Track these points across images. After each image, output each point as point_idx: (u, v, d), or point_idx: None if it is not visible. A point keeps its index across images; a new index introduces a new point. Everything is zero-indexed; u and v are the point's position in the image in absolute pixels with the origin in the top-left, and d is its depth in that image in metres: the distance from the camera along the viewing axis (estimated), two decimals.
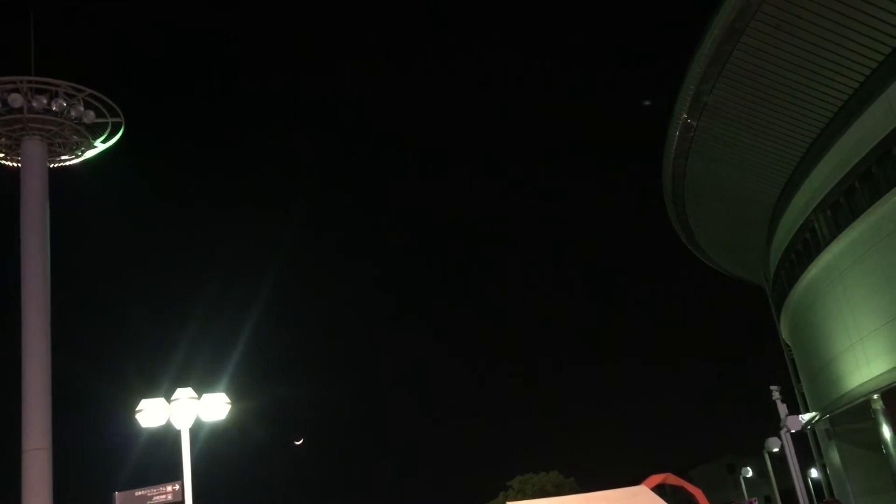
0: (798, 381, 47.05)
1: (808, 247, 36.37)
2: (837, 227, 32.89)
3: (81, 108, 29.19)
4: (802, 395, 46.02)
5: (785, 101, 31.99)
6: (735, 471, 69.43)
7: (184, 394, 17.37)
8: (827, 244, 33.76)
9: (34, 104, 28.26)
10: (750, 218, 42.08)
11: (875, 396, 30.79)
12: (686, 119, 35.01)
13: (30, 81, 28.47)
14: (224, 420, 18.07)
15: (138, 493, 18.83)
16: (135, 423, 17.18)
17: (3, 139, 28.97)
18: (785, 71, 30.28)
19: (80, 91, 29.17)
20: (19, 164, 28.92)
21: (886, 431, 31.14)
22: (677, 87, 34.09)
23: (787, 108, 32.36)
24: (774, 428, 34.88)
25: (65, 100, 28.78)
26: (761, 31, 28.87)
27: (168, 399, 17.37)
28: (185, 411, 17.19)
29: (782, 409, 33.21)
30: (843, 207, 32.47)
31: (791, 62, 29.77)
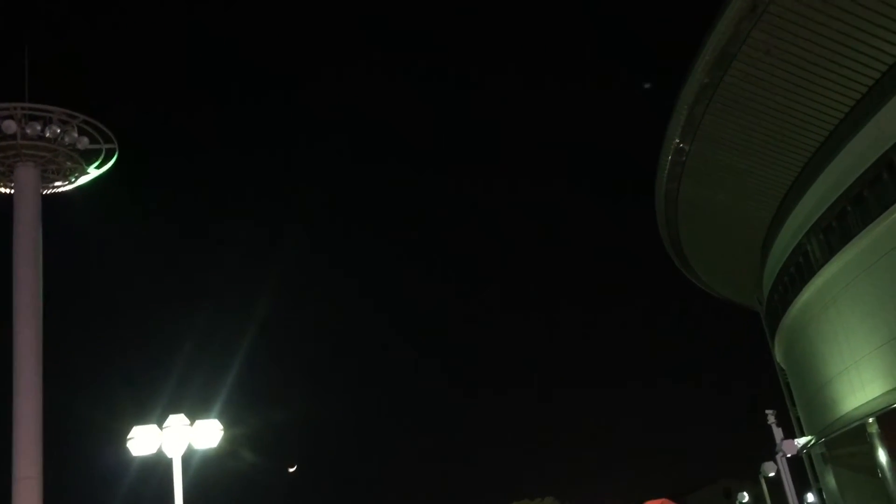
0: (793, 404, 46.96)
1: (800, 270, 36.45)
2: (830, 251, 32.99)
3: (75, 135, 29.24)
4: (798, 418, 45.93)
5: (776, 126, 32.18)
6: (731, 496, 69.07)
7: (176, 420, 17.23)
8: (820, 268, 33.84)
9: (28, 131, 28.30)
10: (743, 241, 42.20)
11: (870, 420, 30.72)
12: (678, 143, 35.19)
13: (24, 108, 28.54)
14: (217, 447, 17.94)
15: None
16: (126, 451, 17.04)
17: None
18: (776, 96, 30.50)
19: (73, 117, 29.23)
20: (12, 191, 28.92)
21: (882, 455, 31.06)
22: (669, 111, 34.34)
23: (778, 133, 32.56)
24: (771, 452, 34.80)
25: (59, 126, 28.83)
26: (752, 57, 29.12)
27: (160, 426, 17.23)
28: (177, 439, 17.04)
29: (778, 433, 33.14)
30: (835, 231, 32.60)
31: (782, 87, 29.99)
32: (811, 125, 31.46)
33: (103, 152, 30.65)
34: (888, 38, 26.82)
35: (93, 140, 30.02)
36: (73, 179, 30.65)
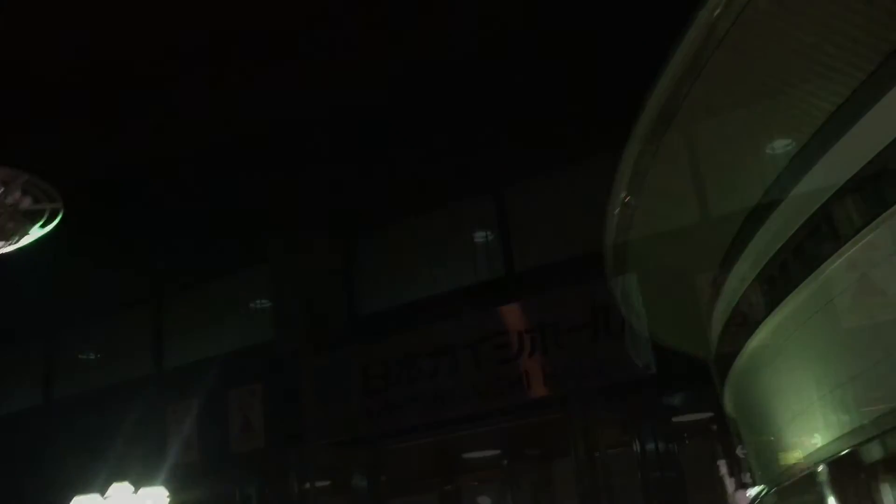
0: (745, 455, 47.30)
1: (746, 321, 37.06)
2: (773, 303, 33.63)
3: (18, 195, 28.76)
4: (750, 469, 46.22)
5: (719, 178, 33.07)
6: None
7: (120, 489, 16.74)
8: (763, 318, 34.44)
9: None
10: (691, 294, 42.86)
11: (819, 468, 31.05)
12: (625, 198, 35.88)
13: None
14: None
15: None
16: None
17: None
18: (718, 150, 31.37)
19: (16, 177, 28.79)
20: None
21: (833, 503, 31.40)
22: (615, 165, 35.06)
23: (722, 184, 33.43)
24: None
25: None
26: (693, 112, 30.00)
27: (103, 494, 16.73)
28: None
29: (730, 484, 33.26)
30: (777, 282, 33.32)
31: (723, 140, 30.89)
32: (753, 176, 32.38)
33: (47, 211, 30.17)
34: (824, 95, 27.86)
35: (37, 199, 29.54)
36: (14, 240, 30.04)
